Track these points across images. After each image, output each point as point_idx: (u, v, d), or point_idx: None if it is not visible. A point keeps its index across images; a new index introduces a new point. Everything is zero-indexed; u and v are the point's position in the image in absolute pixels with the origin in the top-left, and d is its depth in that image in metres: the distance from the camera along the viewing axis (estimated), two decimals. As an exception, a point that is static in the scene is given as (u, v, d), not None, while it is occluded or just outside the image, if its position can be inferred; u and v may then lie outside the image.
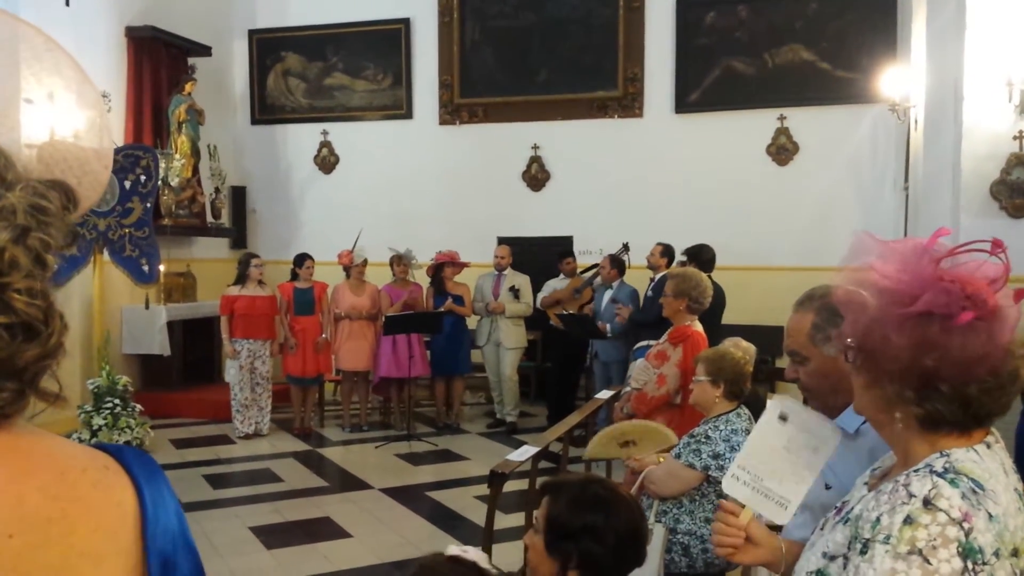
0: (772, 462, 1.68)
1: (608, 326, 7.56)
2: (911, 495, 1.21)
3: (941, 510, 1.17)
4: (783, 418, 1.72)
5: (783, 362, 2.00)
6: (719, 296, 6.00)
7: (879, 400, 1.34)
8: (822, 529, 1.44)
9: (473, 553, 1.90)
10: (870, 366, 1.32)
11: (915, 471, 1.26)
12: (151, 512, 0.80)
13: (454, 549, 1.93)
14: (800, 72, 9.10)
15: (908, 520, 1.18)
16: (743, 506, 1.68)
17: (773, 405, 1.76)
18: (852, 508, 1.35)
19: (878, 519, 1.22)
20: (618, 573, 2.03)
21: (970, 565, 1.14)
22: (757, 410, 3.87)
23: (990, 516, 1.18)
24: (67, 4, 8.09)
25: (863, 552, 1.22)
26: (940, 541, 1.15)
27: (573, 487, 2.10)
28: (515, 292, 8.43)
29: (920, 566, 1.15)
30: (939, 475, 1.22)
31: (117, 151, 7.58)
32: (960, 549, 1.15)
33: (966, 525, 1.16)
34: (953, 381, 1.24)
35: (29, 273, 0.74)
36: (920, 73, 7.42)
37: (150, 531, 0.80)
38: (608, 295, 7.85)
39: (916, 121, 7.61)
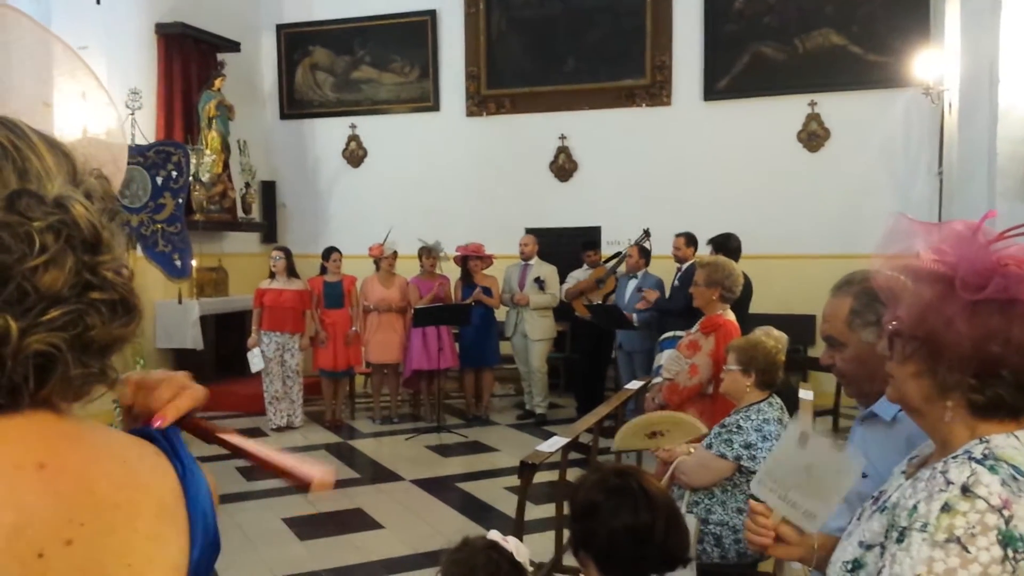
0: (796, 478, 1.64)
1: (635, 316, 7.49)
2: (949, 482, 1.18)
3: (980, 497, 1.15)
4: (803, 443, 1.67)
5: (815, 351, 1.98)
6: (746, 285, 5.93)
7: (930, 388, 1.30)
8: (859, 518, 1.42)
9: (513, 543, 1.90)
10: (926, 354, 1.29)
11: (953, 458, 1.24)
12: (192, 493, 0.83)
13: (495, 535, 1.93)
14: (831, 56, 8.96)
15: (946, 507, 1.16)
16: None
17: (794, 426, 1.72)
18: (889, 497, 1.33)
19: (915, 507, 1.20)
20: (634, 566, 1.89)
21: (1010, 553, 1.12)
22: (789, 399, 3.84)
23: (1031, 504, 1.15)
24: (98, 2, 8.18)
25: (900, 540, 1.20)
26: (979, 529, 1.13)
27: (596, 471, 2.03)
28: (540, 283, 8.40)
29: (958, 554, 1.13)
30: (978, 462, 1.20)
31: (149, 147, 7.67)
32: (1000, 537, 1.12)
33: (1006, 512, 1.13)
34: (1015, 366, 1.22)
35: (120, 253, 0.78)
36: (954, 55, 7.28)
37: (192, 510, 0.83)
38: (632, 284, 7.79)
39: (950, 105, 7.47)
